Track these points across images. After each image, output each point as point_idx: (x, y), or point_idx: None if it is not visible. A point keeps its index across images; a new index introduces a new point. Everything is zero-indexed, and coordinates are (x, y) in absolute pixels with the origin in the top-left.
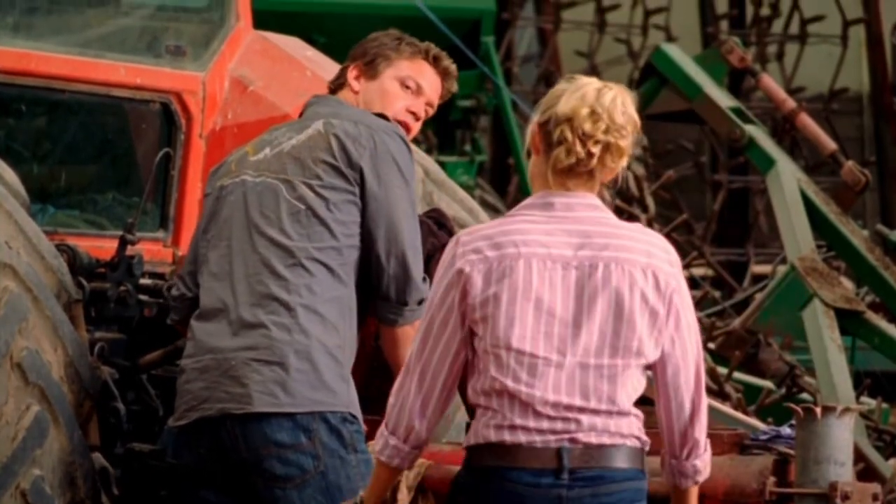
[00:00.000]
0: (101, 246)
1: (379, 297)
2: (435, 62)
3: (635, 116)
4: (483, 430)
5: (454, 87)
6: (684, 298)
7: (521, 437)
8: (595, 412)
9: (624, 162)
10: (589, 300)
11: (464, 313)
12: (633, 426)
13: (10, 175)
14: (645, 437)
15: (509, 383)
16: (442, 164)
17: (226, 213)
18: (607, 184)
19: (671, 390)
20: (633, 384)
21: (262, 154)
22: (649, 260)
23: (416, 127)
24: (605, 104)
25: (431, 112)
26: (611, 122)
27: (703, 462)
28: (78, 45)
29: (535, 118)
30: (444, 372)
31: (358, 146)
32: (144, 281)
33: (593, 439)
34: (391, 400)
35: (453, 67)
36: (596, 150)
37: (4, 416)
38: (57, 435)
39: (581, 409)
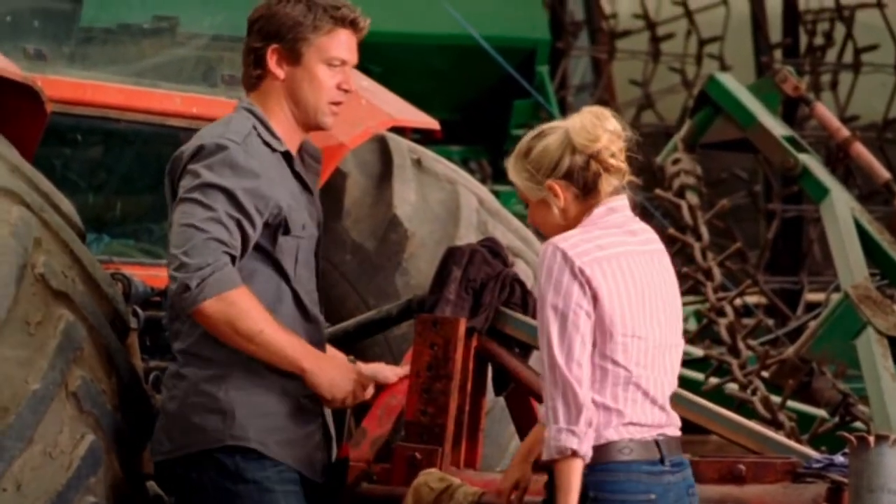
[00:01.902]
0: (156, 275)
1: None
2: (352, 26)
3: None
4: (604, 430)
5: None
6: None
7: (640, 433)
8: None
9: None
10: (668, 287)
11: (589, 311)
12: None
13: (66, 205)
14: None
15: (636, 371)
16: (496, 194)
17: None
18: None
19: None
20: None
21: None
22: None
23: (347, 97)
24: (605, 125)
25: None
26: (616, 131)
27: None
28: (133, 74)
29: (549, 181)
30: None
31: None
32: None
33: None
34: (558, 405)
35: (365, 21)
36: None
37: (59, 445)
38: (111, 463)
39: (663, 406)
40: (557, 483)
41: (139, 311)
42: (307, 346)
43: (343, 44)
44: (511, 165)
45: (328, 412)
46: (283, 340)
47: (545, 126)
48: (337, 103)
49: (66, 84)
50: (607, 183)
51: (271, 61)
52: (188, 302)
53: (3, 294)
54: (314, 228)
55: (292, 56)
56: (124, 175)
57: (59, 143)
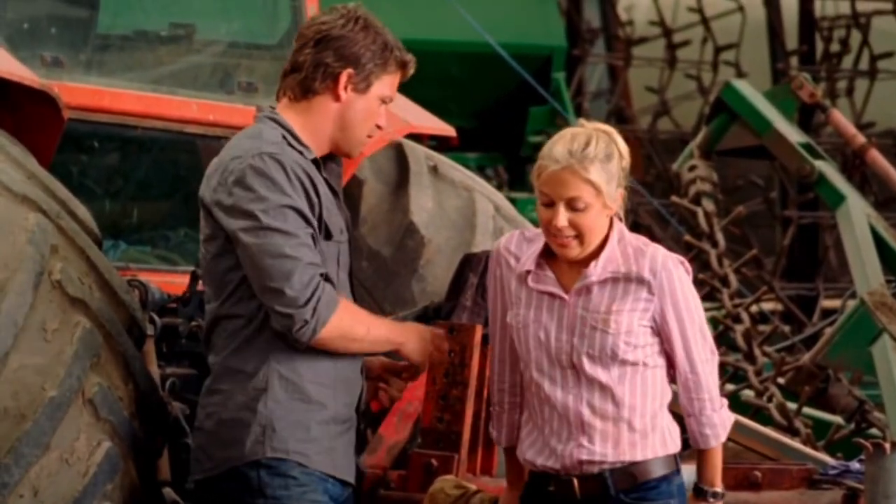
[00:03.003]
0: (172, 281)
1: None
2: (407, 71)
3: None
4: (678, 438)
5: None
6: None
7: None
8: None
9: None
10: None
11: None
12: None
13: (83, 211)
14: None
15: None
16: (513, 201)
17: None
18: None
19: None
20: None
21: None
22: None
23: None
24: None
25: None
26: None
27: None
28: (150, 81)
29: (622, 186)
30: None
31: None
32: None
33: None
34: (714, 393)
35: (414, 68)
36: None
37: (76, 452)
38: (128, 470)
39: None
40: (715, 463)
41: (156, 317)
42: (394, 324)
43: (396, 85)
44: (591, 167)
45: (356, 414)
46: (383, 329)
47: (603, 127)
48: (370, 137)
49: (83, 91)
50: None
51: (341, 83)
52: (307, 335)
53: (21, 301)
54: (347, 232)
55: (362, 85)
56: (141, 182)
57: (76, 150)
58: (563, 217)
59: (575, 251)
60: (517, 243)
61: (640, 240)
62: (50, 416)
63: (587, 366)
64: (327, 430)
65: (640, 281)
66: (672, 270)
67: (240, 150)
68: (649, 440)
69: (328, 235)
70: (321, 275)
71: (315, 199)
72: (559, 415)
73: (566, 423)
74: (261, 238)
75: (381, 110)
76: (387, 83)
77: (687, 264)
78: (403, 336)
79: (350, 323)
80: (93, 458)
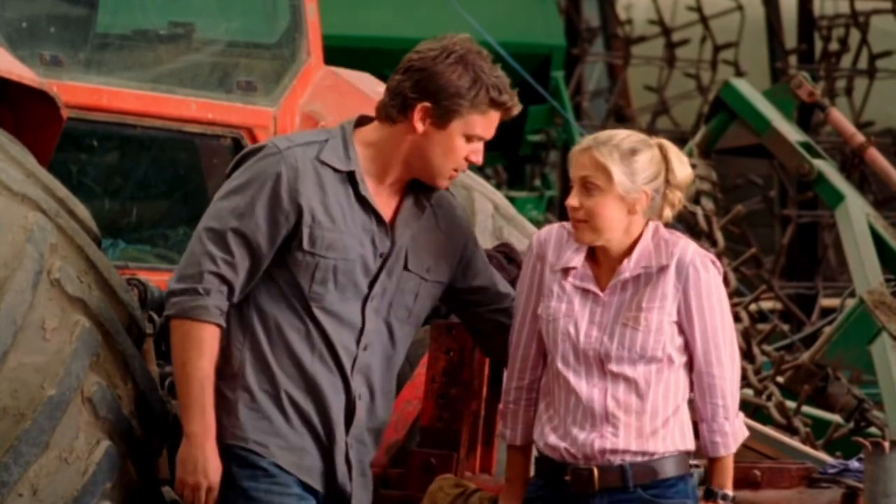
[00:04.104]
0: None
1: None
2: (506, 112)
3: None
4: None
5: None
6: None
7: None
8: None
9: None
10: None
11: None
12: None
13: (82, 210)
14: None
15: None
16: (512, 200)
17: None
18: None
19: None
20: None
21: None
22: None
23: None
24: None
25: None
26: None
27: None
28: (150, 80)
29: (647, 185)
30: None
31: None
32: None
33: None
34: (737, 398)
35: (518, 107)
36: None
37: (75, 451)
38: (127, 469)
39: None
40: (727, 468)
41: (155, 316)
42: (205, 414)
43: (490, 124)
44: (608, 153)
45: (340, 429)
46: (189, 398)
47: (658, 140)
48: (458, 170)
49: (83, 90)
50: (669, 215)
51: (417, 115)
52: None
53: (20, 300)
54: (370, 256)
55: (440, 121)
56: (140, 181)
57: (75, 149)
58: (575, 196)
59: (586, 236)
60: (558, 236)
61: (675, 234)
62: (49, 414)
63: (614, 362)
64: (296, 430)
65: (668, 273)
66: (700, 267)
67: (273, 139)
68: (670, 432)
69: (303, 246)
70: (220, 277)
71: (290, 206)
72: (584, 406)
73: (590, 414)
74: (207, 210)
75: (467, 147)
76: (475, 122)
77: (718, 264)
78: (188, 419)
79: (184, 343)
80: (92, 457)
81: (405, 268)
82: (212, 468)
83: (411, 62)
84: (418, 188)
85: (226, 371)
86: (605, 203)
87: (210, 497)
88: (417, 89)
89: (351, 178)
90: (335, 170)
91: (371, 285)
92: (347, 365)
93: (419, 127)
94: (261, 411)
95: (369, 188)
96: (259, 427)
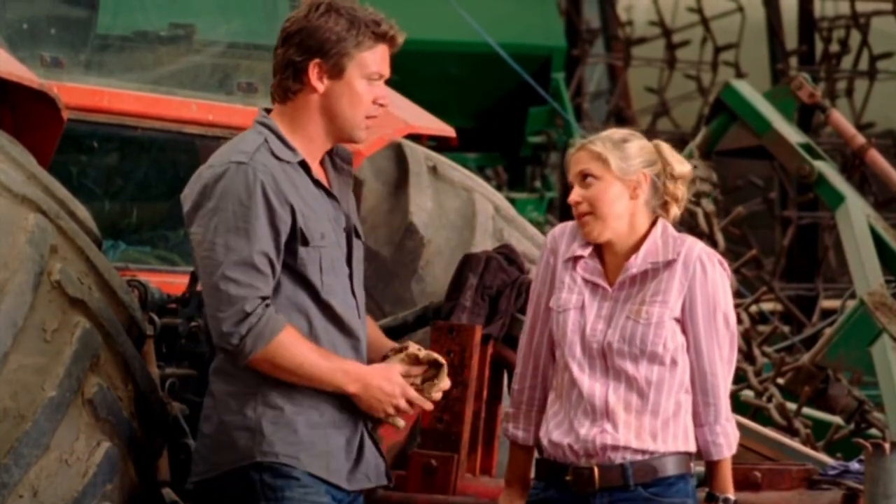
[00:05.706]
0: (172, 282)
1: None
2: (391, 42)
3: None
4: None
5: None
6: None
7: None
8: None
9: None
10: None
11: None
12: None
13: (83, 212)
14: None
15: None
16: (512, 201)
17: None
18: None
19: None
20: None
21: None
22: None
23: (382, 111)
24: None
25: None
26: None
27: None
28: (150, 81)
29: (644, 168)
30: None
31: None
32: None
33: None
34: (728, 401)
35: (402, 36)
36: None
37: (75, 452)
38: (127, 471)
39: None
40: (726, 471)
41: (155, 318)
42: (347, 369)
43: (382, 59)
44: (600, 143)
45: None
46: (322, 368)
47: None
48: (372, 117)
49: (83, 91)
50: (676, 210)
51: (312, 75)
52: (236, 361)
53: (20, 301)
54: (340, 234)
55: (334, 71)
56: (140, 182)
57: (76, 151)
58: (576, 192)
59: (595, 230)
60: (571, 231)
61: (683, 234)
62: (49, 416)
63: (616, 356)
64: (320, 434)
65: (675, 269)
66: (706, 265)
67: (215, 158)
68: (670, 432)
69: (305, 241)
70: (261, 298)
71: (283, 208)
72: (585, 400)
73: (592, 408)
74: (206, 252)
75: (371, 88)
76: (367, 60)
77: (725, 264)
78: (358, 387)
79: (284, 355)
80: (92, 459)
81: (356, 236)
82: (385, 378)
83: (286, 31)
84: (330, 155)
85: (244, 391)
86: (605, 188)
87: (409, 395)
88: (302, 50)
89: (304, 166)
90: (289, 163)
91: (349, 262)
92: (363, 341)
93: (319, 86)
94: (287, 424)
95: (312, 170)
96: (286, 440)
